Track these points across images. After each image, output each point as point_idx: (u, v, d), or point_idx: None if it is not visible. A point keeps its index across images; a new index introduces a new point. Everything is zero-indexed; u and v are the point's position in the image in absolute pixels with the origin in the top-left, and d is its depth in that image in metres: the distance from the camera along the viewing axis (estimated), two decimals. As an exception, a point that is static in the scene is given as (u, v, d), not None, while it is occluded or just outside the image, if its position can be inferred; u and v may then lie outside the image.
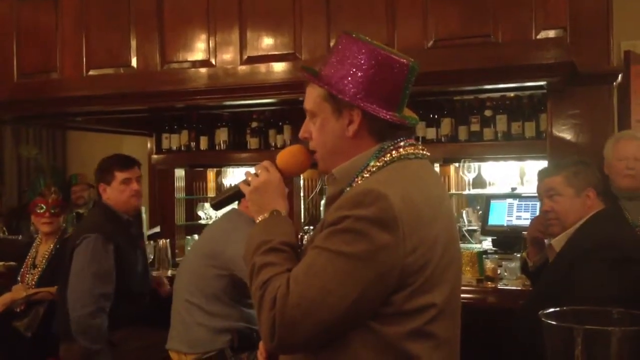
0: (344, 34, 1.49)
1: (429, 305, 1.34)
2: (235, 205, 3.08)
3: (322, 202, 4.32)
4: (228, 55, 3.60)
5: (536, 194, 2.68)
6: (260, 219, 1.50)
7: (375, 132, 1.44)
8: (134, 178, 3.20)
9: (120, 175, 3.16)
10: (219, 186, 5.29)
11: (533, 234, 2.71)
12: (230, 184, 3.94)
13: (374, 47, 1.44)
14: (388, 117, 1.42)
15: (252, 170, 1.58)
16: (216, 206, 1.67)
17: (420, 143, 1.48)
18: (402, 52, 1.49)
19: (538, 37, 3.02)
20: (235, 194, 1.60)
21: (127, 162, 3.23)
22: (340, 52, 1.47)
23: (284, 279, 1.31)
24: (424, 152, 1.47)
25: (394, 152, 1.42)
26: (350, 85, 1.43)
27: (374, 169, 1.40)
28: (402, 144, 1.44)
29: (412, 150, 1.44)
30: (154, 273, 3.69)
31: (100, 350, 2.96)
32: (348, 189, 1.42)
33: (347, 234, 1.28)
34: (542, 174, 2.60)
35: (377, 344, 1.32)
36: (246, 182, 1.55)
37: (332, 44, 3.32)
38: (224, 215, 3.07)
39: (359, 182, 1.40)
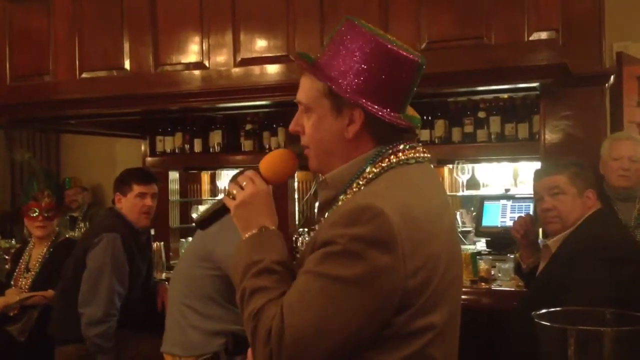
0: (346, 20, 1.33)
1: (428, 327, 1.22)
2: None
3: (317, 204, 4.31)
4: (221, 58, 3.60)
5: (530, 195, 2.69)
6: (247, 236, 1.34)
7: (377, 135, 1.31)
8: (150, 194, 3.25)
9: (137, 189, 3.21)
10: (213, 190, 5.28)
11: (513, 234, 2.74)
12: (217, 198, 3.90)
13: (382, 41, 1.29)
14: (393, 120, 1.29)
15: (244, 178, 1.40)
16: (202, 225, 1.48)
17: (420, 144, 1.35)
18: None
19: (530, 38, 3.02)
20: (220, 209, 1.43)
21: (145, 177, 3.30)
22: (344, 41, 1.31)
23: (278, 308, 1.18)
24: (425, 155, 1.35)
25: (392, 157, 1.29)
26: (354, 81, 1.27)
27: (370, 175, 1.28)
28: (401, 147, 1.31)
29: (412, 154, 1.31)
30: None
31: (109, 350, 2.98)
32: (342, 196, 1.31)
33: (343, 256, 1.16)
34: (542, 173, 2.58)
35: None
36: (230, 196, 1.38)
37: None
38: None
39: (354, 189, 1.29)
